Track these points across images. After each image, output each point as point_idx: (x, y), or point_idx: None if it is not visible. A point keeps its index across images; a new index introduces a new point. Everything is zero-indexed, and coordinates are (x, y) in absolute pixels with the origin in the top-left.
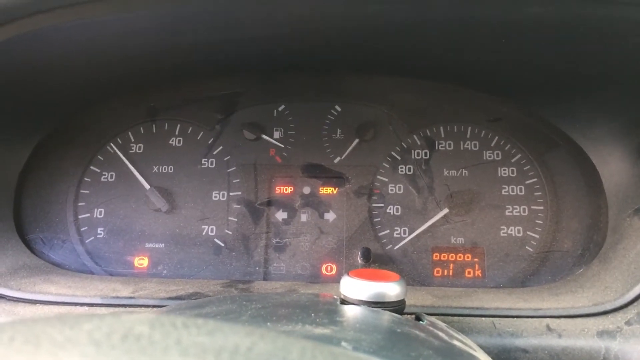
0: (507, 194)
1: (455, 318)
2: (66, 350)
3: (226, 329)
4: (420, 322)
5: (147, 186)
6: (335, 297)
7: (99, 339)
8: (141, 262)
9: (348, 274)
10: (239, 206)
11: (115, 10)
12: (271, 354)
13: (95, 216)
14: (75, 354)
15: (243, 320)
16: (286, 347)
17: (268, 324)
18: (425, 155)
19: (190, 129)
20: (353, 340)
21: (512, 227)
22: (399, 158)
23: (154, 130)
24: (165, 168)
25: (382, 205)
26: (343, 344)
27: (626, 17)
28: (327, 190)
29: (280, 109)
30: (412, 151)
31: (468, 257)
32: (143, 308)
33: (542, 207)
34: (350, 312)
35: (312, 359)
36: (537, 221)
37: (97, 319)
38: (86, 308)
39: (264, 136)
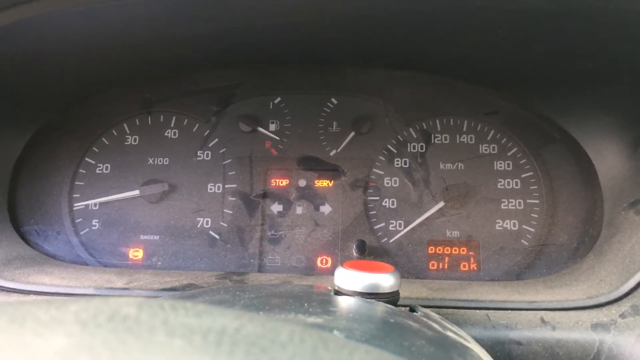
0: (502, 187)
1: (450, 310)
2: (51, 330)
3: (215, 311)
4: (414, 313)
5: (136, 193)
6: (329, 288)
7: (85, 319)
8: (136, 253)
9: (342, 265)
10: (234, 198)
11: None
12: (259, 336)
13: (90, 208)
14: (61, 333)
15: (235, 309)
16: (275, 329)
17: (260, 313)
18: (421, 148)
19: (186, 121)
20: (345, 329)
21: (508, 221)
22: (395, 151)
23: (150, 122)
24: (160, 160)
25: (378, 198)
26: (335, 332)
27: (624, 8)
28: (322, 183)
29: (276, 101)
30: (408, 144)
31: (463, 251)
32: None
33: (537, 201)
34: (344, 303)
35: (301, 342)
36: (532, 215)
37: (84, 301)
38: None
39: (260, 128)
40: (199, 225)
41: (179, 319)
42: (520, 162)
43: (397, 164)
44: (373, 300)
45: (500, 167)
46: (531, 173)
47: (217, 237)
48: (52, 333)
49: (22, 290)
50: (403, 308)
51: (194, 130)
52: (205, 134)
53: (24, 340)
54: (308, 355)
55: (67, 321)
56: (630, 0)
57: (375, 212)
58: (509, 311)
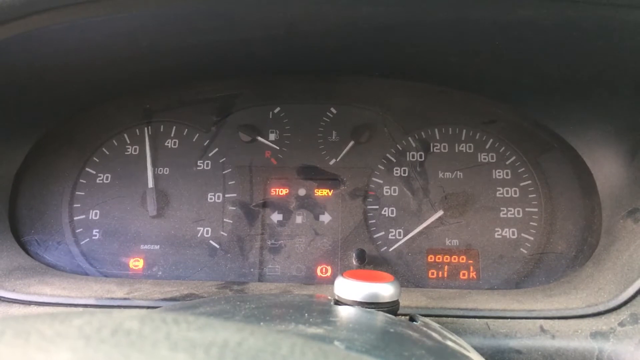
0: (501, 196)
1: (449, 319)
2: (55, 345)
3: (217, 325)
4: (414, 322)
5: (151, 184)
6: (329, 298)
7: (88, 333)
8: (136, 263)
9: (342, 275)
10: (234, 208)
11: (108, 12)
12: (261, 349)
13: (90, 218)
14: (65, 348)
15: (236, 320)
16: (276, 342)
17: (261, 323)
18: (420, 157)
19: (185, 131)
20: (346, 340)
21: (507, 229)
22: (394, 160)
23: (150, 132)
24: (160, 170)
25: (377, 207)
26: (336, 343)
27: (620, 19)
28: (322, 192)
29: (275, 111)
30: (407, 153)
31: (463, 259)
32: (137, 309)
33: (536, 209)
34: (344, 313)
35: (302, 355)
36: (531, 223)
37: (87, 315)
38: (80, 309)
39: (260, 138)
40: (199, 235)
41: (181, 333)
42: (519, 170)
43: (396, 173)
44: (373, 309)
45: (499, 175)
46: (530, 181)
47: (217, 246)
48: (56, 348)
49: (23, 300)
50: (403, 317)
51: (194, 140)
52: (205, 143)
53: (28, 355)
54: None
55: (70, 336)
56: (625, 11)
57: (374, 221)
58: (509, 320)
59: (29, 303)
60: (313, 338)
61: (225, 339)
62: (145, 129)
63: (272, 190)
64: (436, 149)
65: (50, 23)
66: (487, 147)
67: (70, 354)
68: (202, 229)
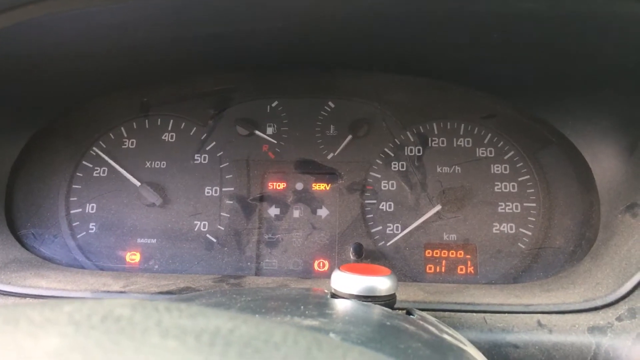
0: (499, 190)
1: (447, 313)
2: (45, 330)
3: (209, 313)
4: (411, 316)
5: (137, 183)
6: (326, 291)
7: (78, 319)
8: (133, 257)
9: (339, 268)
10: (231, 202)
11: (105, 2)
12: (253, 337)
13: (87, 211)
14: (54, 334)
15: (232, 311)
16: (269, 330)
17: (257, 315)
18: (419, 151)
19: (183, 125)
20: (341, 332)
21: (505, 224)
22: (392, 154)
23: (147, 126)
24: (157, 163)
25: (375, 201)
26: (331, 335)
27: (618, 12)
28: (319, 186)
29: (273, 105)
30: (405, 148)
31: (460, 254)
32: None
33: (534, 204)
34: (340, 306)
35: (295, 343)
36: (529, 218)
37: (78, 302)
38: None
39: (257, 132)
40: (196, 229)
41: (172, 320)
42: (517, 165)
43: (394, 167)
44: (370, 303)
45: (497, 170)
46: (528, 176)
47: (214, 240)
48: (45, 334)
49: (19, 293)
50: (400, 311)
51: (191, 133)
52: (203, 137)
53: (17, 341)
54: (302, 356)
55: (60, 322)
56: (624, 4)
57: (372, 215)
58: (506, 314)
59: (25, 296)
60: (308, 329)
61: (216, 326)
62: (94, 146)
63: (270, 184)
64: (434, 144)
65: (46, 13)
66: (486, 141)
67: (60, 339)
68: (199, 222)
